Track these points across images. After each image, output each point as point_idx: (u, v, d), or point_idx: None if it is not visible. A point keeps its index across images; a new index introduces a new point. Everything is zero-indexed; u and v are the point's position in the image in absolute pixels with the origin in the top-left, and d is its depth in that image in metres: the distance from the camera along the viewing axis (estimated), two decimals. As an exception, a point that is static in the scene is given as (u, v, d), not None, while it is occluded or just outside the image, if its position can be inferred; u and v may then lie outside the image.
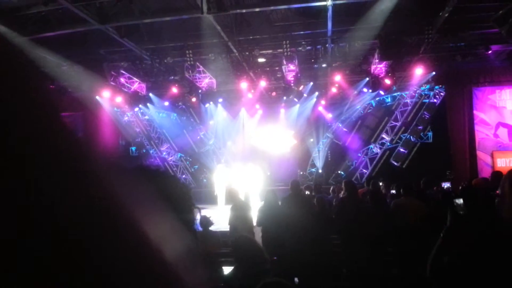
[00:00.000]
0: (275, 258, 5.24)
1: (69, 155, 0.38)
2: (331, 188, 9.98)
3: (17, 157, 0.34)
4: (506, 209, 1.77)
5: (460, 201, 3.78)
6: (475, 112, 13.63)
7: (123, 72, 12.46)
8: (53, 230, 0.34)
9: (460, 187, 6.88)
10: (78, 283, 0.34)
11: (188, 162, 16.52)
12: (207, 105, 14.52)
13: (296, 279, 5.23)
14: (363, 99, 14.62)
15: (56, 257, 0.34)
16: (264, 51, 11.50)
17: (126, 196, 0.43)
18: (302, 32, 10.57)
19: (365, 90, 13.79)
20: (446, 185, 11.08)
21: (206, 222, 5.55)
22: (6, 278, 0.32)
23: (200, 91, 13.21)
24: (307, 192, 8.90)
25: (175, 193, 1.22)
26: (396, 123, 15.24)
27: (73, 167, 0.38)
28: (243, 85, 12.81)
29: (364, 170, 15.41)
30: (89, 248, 0.36)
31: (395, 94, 14.75)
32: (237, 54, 11.11)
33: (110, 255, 0.37)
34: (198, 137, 16.38)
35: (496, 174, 7.20)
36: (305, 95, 13.96)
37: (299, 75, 12.41)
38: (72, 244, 0.35)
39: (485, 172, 12.39)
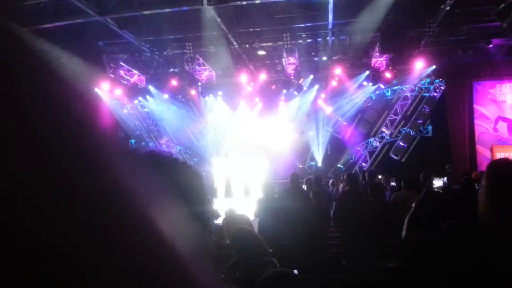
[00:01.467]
0: (271, 250, 5.25)
1: (81, 144, 0.37)
2: (331, 181, 9.99)
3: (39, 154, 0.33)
4: (480, 204, 1.77)
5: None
6: (475, 106, 13.63)
7: (123, 64, 12.41)
8: (61, 226, 0.32)
9: (462, 179, 6.92)
10: (90, 283, 0.33)
11: (187, 155, 16.51)
12: (206, 97, 14.48)
13: (295, 271, 5.24)
14: (363, 92, 14.58)
15: (64, 256, 0.32)
16: (264, 44, 11.46)
17: (138, 188, 0.41)
18: (302, 25, 10.52)
19: (365, 83, 13.76)
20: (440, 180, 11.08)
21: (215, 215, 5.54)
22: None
23: (199, 83, 13.16)
24: (304, 186, 8.89)
25: (191, 184, 1.16)
26: (396, 117, 15.22)
27: (84, 157, 0.36)
28: (243, 78, 12.77)
29: (364, 164, 15.42)
30: (100, 245, 0.34)
31: (395, 87, 14.72)
32: (237, 46, 11.07)
33: (122, 253, 0.36)
34: (198, 130, 16.35)
35: None
36: (305, 88, 13.92)
37: (299, 68, 12.38)
38: (83, 241, 0.33)
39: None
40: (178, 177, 1.08)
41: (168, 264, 0.41)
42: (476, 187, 6.25)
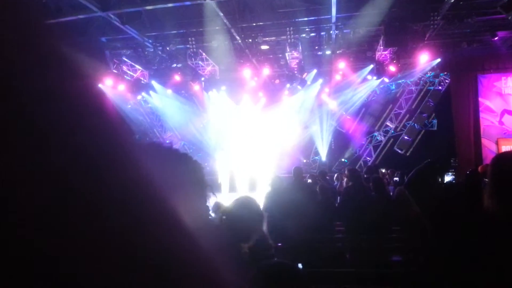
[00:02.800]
0: (280, 244, 5.26)
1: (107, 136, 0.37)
2: (335, 176, 9.98)
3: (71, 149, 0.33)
4: (486, 198, 1.75)
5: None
6: (480, 99, 13.52)
7: (125, 59, 12.40)
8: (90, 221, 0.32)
9: (467, 172, 6.91)
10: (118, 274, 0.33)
11: (191, 150, 16.52)
12: (210, 92, 14.46)
13: (300, 265, 5.25)
14: (367, 86, 14.51)
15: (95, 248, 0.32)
16: (267, 38, 11.39)
17: (163, 179, 0.41)
18: (306, 19, 10.44)
19: (369, 77, 13.69)
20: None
21: (218, 208, 5.47)
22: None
23: (203, 78, 13.14)
24: (309, 181, 8.88)
25: (199, 179, 1.12)
26: (401, 111, 15.14)
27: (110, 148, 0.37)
28: (246, 72, 12.73)
29: (368, 158, 15.38)
30: (131, 238, 0.34)
31: (400, 81, 14.63)
32: (240, 41, 11.02)
33: (154, 245, 0.35)
34: (201, 125, 16.35)
35: None
36: (308, 82, 13.86)
37: (302, 62, 12.32)
38: (109, 233, 0.33)
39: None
40: (180, 167, 1.05)
41: (196, 256, 0.41)
42: (485, 180, 6.20)
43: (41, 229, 0.30)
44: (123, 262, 0.33)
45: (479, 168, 8.00)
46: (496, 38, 11.29)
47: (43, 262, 0.30)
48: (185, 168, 1.15)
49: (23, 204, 0.29)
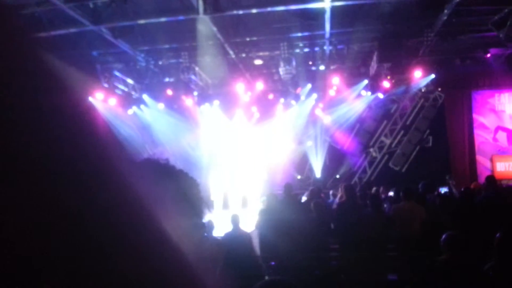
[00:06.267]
0: (273, 263, 5.09)
1: (93, 154, 0.38)
2: (331, 192, 9.83)
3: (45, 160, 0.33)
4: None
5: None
6: (474, 115, 13.54)
7: (117, 73, 12.28)
8: (75, 232, 0.33)
9: (462, 189, 6.86)
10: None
11: (183, 166, 16.26)
12: (202, 107, 14.34)
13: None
14: (361, 102, 14.46)
15: (75, 261, 0.32)
16: (261, 53, 11.37)
17: (149, 196, 0.41)
18: (300, 34, 10.45)
19: (363, 92, 13.65)
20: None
21: (210, 226, 5.41)
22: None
23: (195, 93, 13.04)
24: (304, 197, 8.70)
25: (194, 196, 1.18)
26: (395, 127, 15.09)
27: (96, 166, 0.37)
28: (240, 87, 12.65)
29: (363, 174, 15.24)
30: (111, 251, 0.35)
31: (394, 97, 14.61)
32: (233, 56, 10.97)
33: (133, 259, 0.36)
34: (194, 140, 16.14)
35: (490, 179, 7.29)
36: (302, 97, 13.80)
37: (296, 77, 12.27)
38: (94, 246, 0.34)
39: (484, 177, 12.24)
40: (175, 184, 1.08)
41: (179, 268, 0.42)
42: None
43: (30, 242, 0.30)
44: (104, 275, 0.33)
45: (472, 185, 7.97)
46: (488, 55, 11.35)
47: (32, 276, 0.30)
48: (179, 184, 1.16)
49: (12, 218, 0.30)
